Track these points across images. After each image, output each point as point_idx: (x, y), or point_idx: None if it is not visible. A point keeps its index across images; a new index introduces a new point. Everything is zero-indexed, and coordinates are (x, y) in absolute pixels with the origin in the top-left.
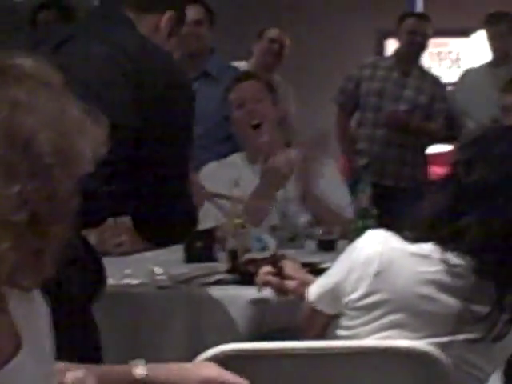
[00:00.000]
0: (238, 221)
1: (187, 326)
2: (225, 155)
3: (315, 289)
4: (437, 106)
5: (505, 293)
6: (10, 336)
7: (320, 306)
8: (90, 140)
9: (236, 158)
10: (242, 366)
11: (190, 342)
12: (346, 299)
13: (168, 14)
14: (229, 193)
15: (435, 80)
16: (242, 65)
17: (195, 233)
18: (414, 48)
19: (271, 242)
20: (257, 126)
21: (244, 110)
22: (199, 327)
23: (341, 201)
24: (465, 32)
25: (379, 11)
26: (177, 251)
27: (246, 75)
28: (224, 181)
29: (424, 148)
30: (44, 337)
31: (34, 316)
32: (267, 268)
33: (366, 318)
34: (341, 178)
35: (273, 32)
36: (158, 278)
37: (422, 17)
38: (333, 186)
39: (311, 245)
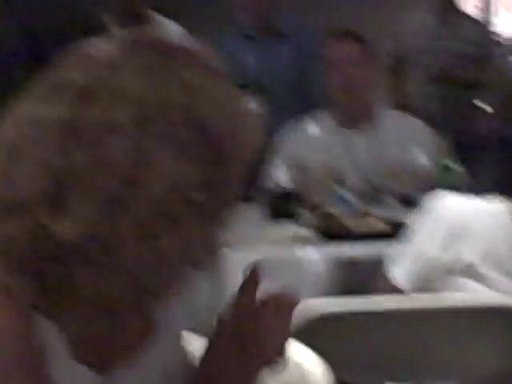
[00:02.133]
0: (325, 180)
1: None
2: (299, 110)
3: (401, 271)
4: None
5: None
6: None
7: (407, 286)
8: (254, 127)
9: (325, 118)
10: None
11: None
12: (434, 268)
13: None
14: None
15: (482, 28)
16: None
17: (276, 192)
18: None
19: (353, 200)
20: (349, 91)
21: (338, 71)
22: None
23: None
24: None
25: None
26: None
27: (346, 33)
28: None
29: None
30: None
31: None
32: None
33: (453, 280)
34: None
35: None
36: None
37: None
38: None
39: (390, 200)
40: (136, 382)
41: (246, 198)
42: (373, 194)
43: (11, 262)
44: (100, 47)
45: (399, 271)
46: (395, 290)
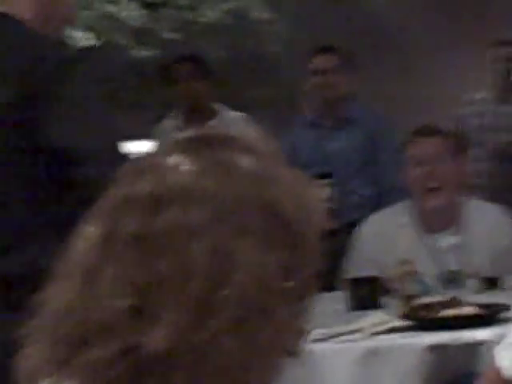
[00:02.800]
0: (406, 267)
1: (364, 375)
2: (368, 197)
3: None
4: None
5: None
6: None
7: None
8: (321, 207)
9: (403, 218)
10: None
11: None
12: None
13: None
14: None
15: None
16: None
17: (359, 279)
18: (508, 75)
19: (433, 285)
20: (434, 190)
21: (422, 169)
22: (378, 376)
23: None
24: None
25: None
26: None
27: (430, 129)
28: (388, 242)
29: None
30: None
31: None
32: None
33: None
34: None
35: None
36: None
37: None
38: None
39: (473, 283)
40: None
41: (330, 288)
42: (456, 279)
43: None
44: (163, 153)
45: (507, 356)
46: (502, 379)
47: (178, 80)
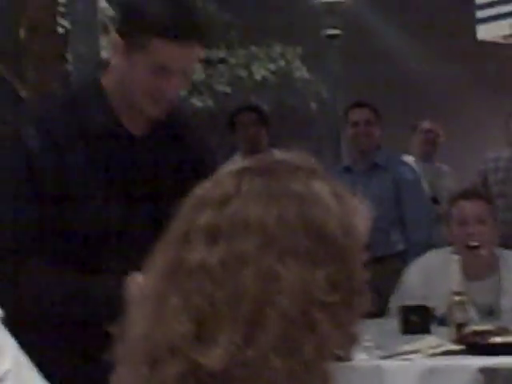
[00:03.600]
0: (458, 298)
1: None
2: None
3: None
4: None
5: None
6: None
7: None
8: (362, 222)
9: (450, 257)
10: None
11: None
12: None
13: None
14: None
15: None
16: (408, 159)
17: (412, 307)
18: None
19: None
20: (475, 248)
21: (465, 229)
22: None
23: None
24: None
25: None
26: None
27: (473, 193)
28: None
29: None
30: None
31: None
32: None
33: None
34: None
35: (426, 124)
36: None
37: None
38: None
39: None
40: None
41: (381, 314)
42: (494, 313)
43: None
44: (216, 185)
45: None
46: None
47: (243, 127)
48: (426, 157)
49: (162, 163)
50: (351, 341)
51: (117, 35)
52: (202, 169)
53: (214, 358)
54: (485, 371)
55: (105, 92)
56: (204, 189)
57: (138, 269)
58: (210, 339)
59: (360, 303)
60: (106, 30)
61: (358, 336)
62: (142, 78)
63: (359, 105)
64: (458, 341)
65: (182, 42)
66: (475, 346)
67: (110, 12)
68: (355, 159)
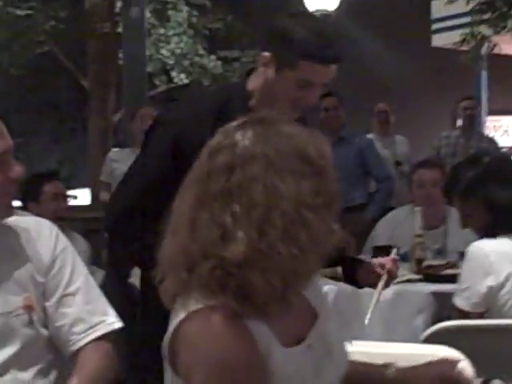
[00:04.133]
0: (419, 239)
1: (392, 307)
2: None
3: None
4: None
5: None
6: (309, 308)
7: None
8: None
9: (416, 215)
10: (460, 338)
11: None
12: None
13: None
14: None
15: (490, 140)
16: (369, 136)
17: (380, 246)
18: (469, 120)
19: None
20: (430, 205)
21: (423, 190)
22: (400, 308)
23: None
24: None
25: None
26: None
27: (430, 163)
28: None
29: None
30: (327, 306)
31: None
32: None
33: None
34: None
35: (381, 106)
36: None
37: (471, 98)
38: None
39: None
40: (319, 351)
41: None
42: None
43: (214, 290)
44: (225, 136)
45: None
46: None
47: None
48: (384, 131)
49: None
50: (332, 234)
51: (269, 53)
52: None
53: (236, 251)
54: (436, 294)
55: (247, 93)
56: (216, 140)
57: None
58: (232, 239)
59: (336, 206)
60: (149, 34)
61: (336, 231)
62: (288, 89)
63: (329, 94)
64: (417, 272)
65: (324, 64)
66: (430, 276)
67: (152, 20)
68: (325, 135)
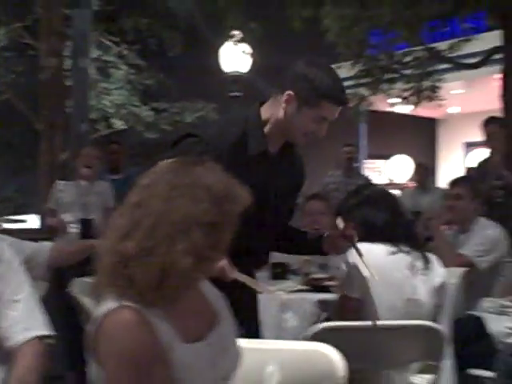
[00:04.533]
0: (306, 257)
1: (283, 313)
2: None
3: None
4: None
5: None
6: (210, 310)
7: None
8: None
9: None
10: (337, 335)
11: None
12: None
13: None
14: None
15: (366, 179)
16: None
17: (276, 263)
18: (349, 162)
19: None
20: (317, 230)
21: (311, 218)
22: (290, 315)
23: None
24: (386, 156)
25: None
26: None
27: (317, 196)
28: None
29: None
30: (226, 310)
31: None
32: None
33: None
34: None
35: None
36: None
37: (352, 145)
38: None
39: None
40: (217, 348)
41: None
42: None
43: (116, 277)
44: (150, 174)
45: None
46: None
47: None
48: None
49: (285, 170)
50: (215, 249)
51: (292, 93)
52: (302, 177)
53: (129, 246)
54: (320, 302)
55: (262, 122)
56: (142, 177)
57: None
58: (128, 237)
59: (226, 232)
60: (94, 87)
61: (222, 251)
62: (305, 123)
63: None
64: (304, 284)
65: (339, 103)
66: (315, 287)
67: (96, 76)
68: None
